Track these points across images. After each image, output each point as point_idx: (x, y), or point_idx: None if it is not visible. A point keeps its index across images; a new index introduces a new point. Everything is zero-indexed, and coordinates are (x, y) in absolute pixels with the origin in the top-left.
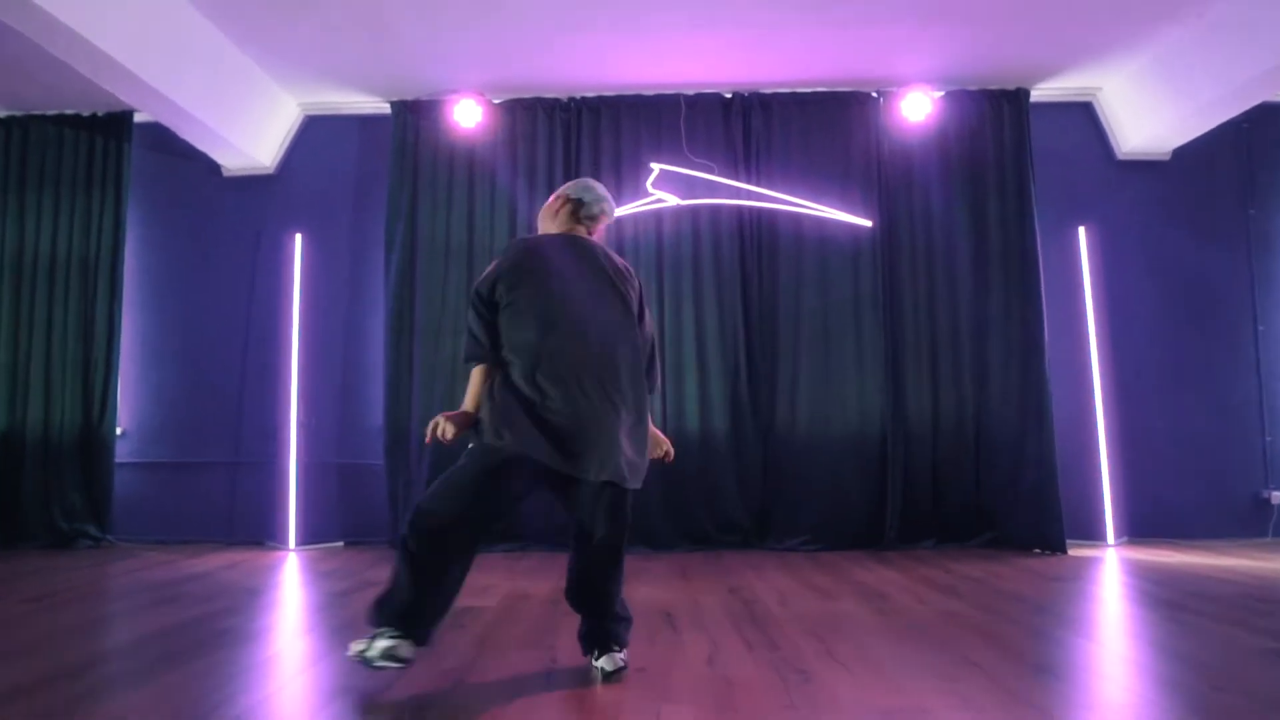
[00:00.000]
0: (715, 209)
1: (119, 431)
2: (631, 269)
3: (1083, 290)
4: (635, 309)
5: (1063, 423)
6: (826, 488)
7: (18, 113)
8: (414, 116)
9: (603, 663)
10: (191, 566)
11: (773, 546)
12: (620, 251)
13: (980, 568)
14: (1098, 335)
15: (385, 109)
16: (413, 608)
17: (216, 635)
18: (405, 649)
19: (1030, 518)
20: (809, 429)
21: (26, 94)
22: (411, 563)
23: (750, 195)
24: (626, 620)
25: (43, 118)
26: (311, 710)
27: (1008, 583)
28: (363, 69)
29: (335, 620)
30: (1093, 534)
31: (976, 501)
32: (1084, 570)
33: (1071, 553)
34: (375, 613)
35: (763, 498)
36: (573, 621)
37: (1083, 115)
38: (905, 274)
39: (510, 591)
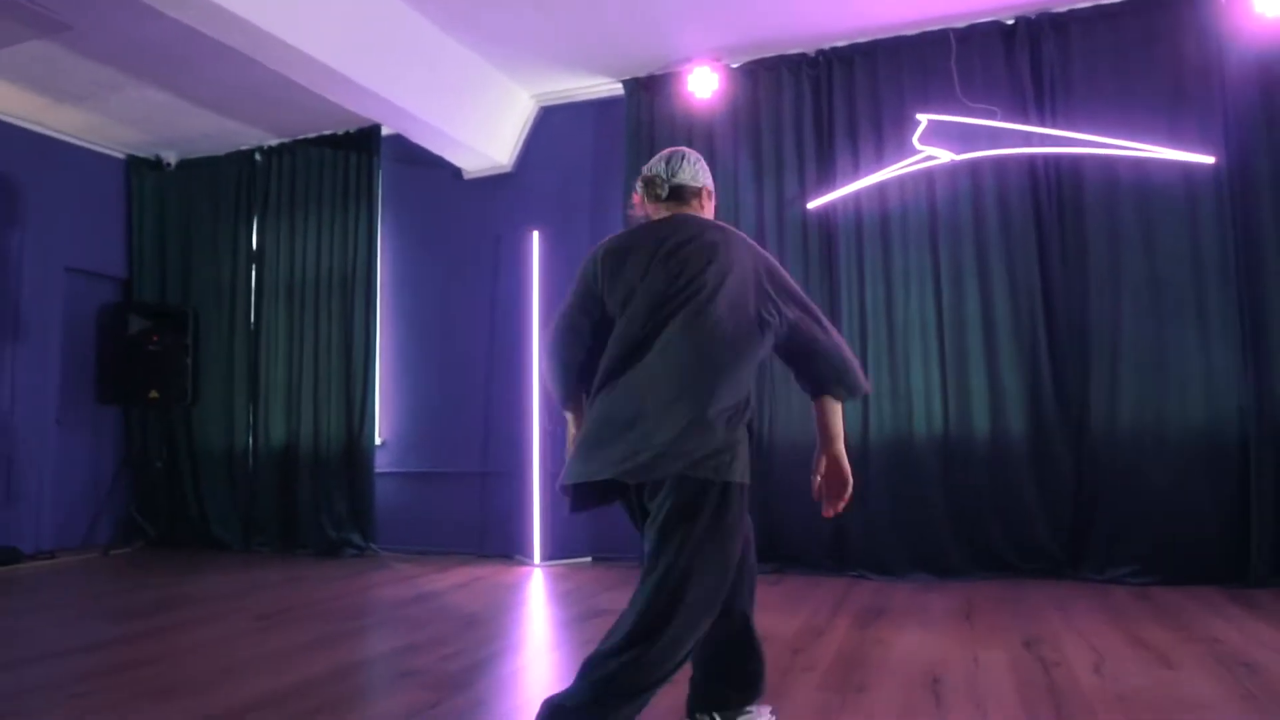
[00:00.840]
0: (1000, 162)
1: (379, 442)
2: (721, 233)
3: None
4: (705, 277)
5: None
6: (1163, 503)
7: (286, 139)
8: (648, 94)
9: None
10: (430, 582)
11: (1090, 577)
12: (885, 224)
13: None
14: None
15: (619, 90)
16: None
17: (399, 679)
18: None
19: None
20: (1136, 428)
21: (292, 121)
22: None
23: (1045, 141)
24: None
25: (306, 141)
26: None
27: None
28: (590, 46)
29: (554, 656)
30: None
31: None
32: None
33: None
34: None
35: (1076, 515)
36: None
37: None
38: (1266, 222)
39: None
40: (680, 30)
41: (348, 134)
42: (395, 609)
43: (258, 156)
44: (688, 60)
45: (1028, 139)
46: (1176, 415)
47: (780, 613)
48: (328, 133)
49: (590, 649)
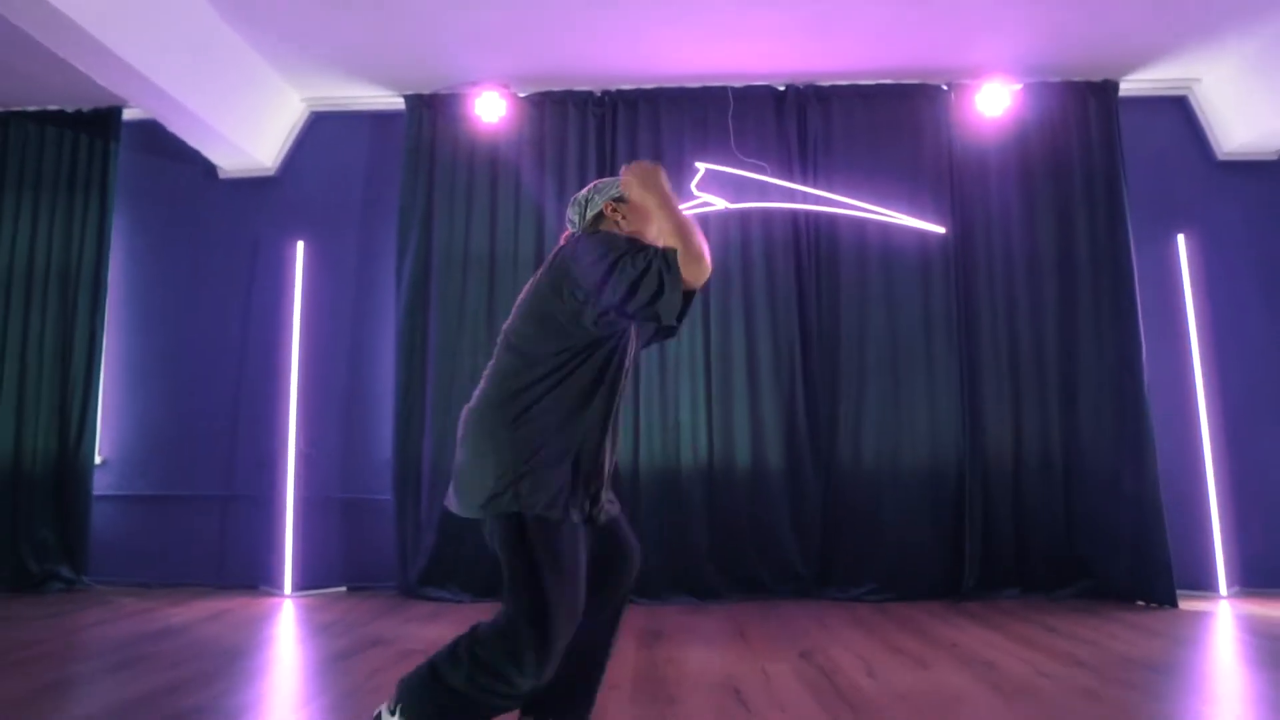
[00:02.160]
0: (767, 214)
1: (98, 460)
2: (570, 240)
3: (1184, 305)
4: (537, 284)
5: (1164, 456)
6: (895, 530)
7: None
8: (430, 112)
9: None
10: (169, 617)
11: (835, 596)
12: None
13: (1087, 625)
14: (1202, 356)
15: (399, 104)
16: None
17: (175, 718)
18: None
19: (1132, 565)
20: (875, 464)
21: (5, 89)
22: None
23: (807, 198)
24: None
25: (23, 114)
26: None
27: (1130, 647)
28: (374, 57)
29: (332, 692)
30: (1201, 583)
31: (1068, 547)
32: (1205, 627)
33: (1182, 605)
34: None
35: (823, 541)
36: (629, 689)
37: (1177, 111)
38: (982, 287)
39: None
40: (469, 52)
41: (80, 113)
42: (138, 645)
43: None
44: (475, 83)
45: (791, 195)
46: (908, 453)
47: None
48: (53, 108)
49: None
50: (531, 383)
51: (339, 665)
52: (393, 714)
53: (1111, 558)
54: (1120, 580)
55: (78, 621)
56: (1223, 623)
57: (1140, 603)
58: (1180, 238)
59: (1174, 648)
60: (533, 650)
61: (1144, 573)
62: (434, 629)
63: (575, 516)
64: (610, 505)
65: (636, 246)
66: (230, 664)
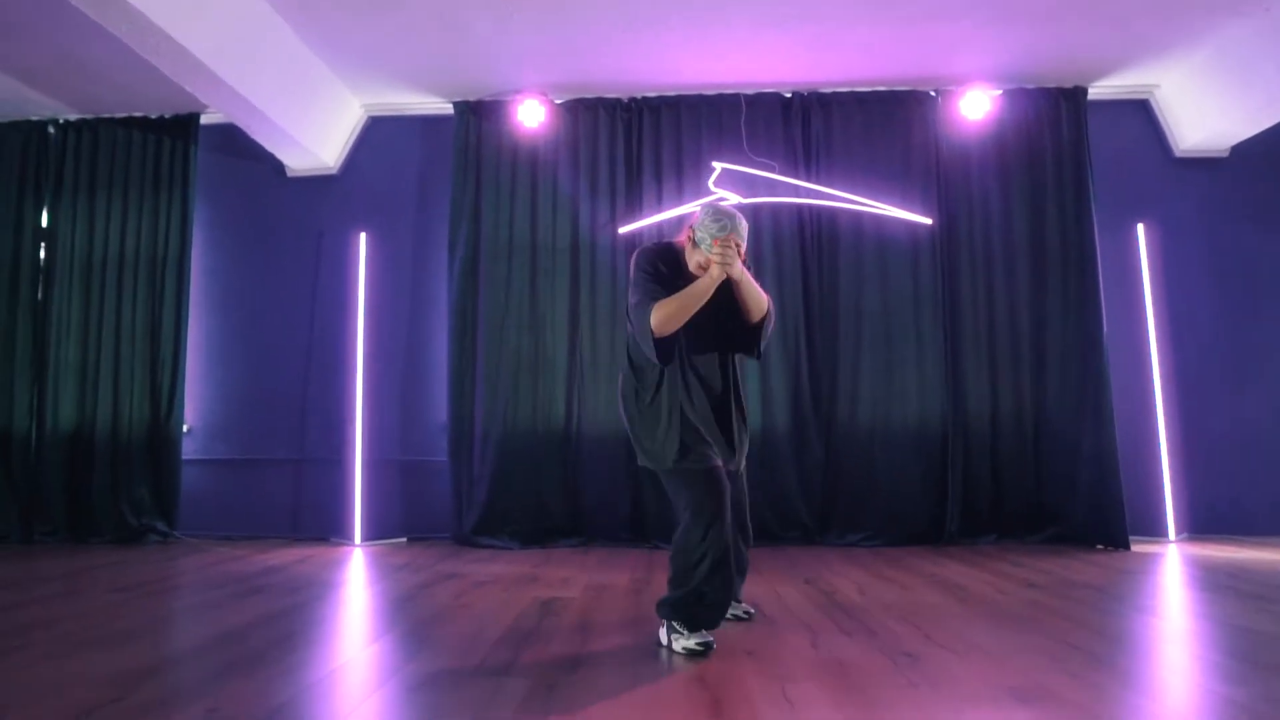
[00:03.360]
0: (776, 207)
1: (185, 428)
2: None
3: (1142, 287)
4: None
5: (1123, 419)
6: (887, 484)
7: (89, 115)
8: (476, 117)
9: None
10: (264, 561)
11: (834, 542)
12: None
13: (1049, 562)
14: (1158, 332)
15: (448, 109)
16: None
17: (312, 625)
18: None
19: (1091, 514)
20: (870, 425)
21: (98, 96)
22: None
23: (810, 194)
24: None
25: (112, 120)
26: (470, 667)
27: (1079, 574)
28: (428, 70)
29: (431, 607)
30: (1154, 530)
31: (1037, 498)
32: (1151, 564)
33: (1134, 549)
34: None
35: (824, 494)
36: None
37: (1139, 113)
38: (964, 271)
39: (589, 583)
40: (512, 64)
41: (161, 118)
42: (255, 578)
43: (51, 129)
44: (517, 91)
45: (797, 191)
46: (899, 416)
47: (609, 571)
48: (138, 114)
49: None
50: None
51: (427, 591)
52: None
53: (1074, 507)
54: (1081, 527)
55: (187, 564)
56: (1167, 560)
57: (1099, 546)
58: (1140, 227)
59: (1118, 576)
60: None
61: (1101, 519)
62: (495, 567)
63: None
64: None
65: (639, 299)
66: (336, 592)
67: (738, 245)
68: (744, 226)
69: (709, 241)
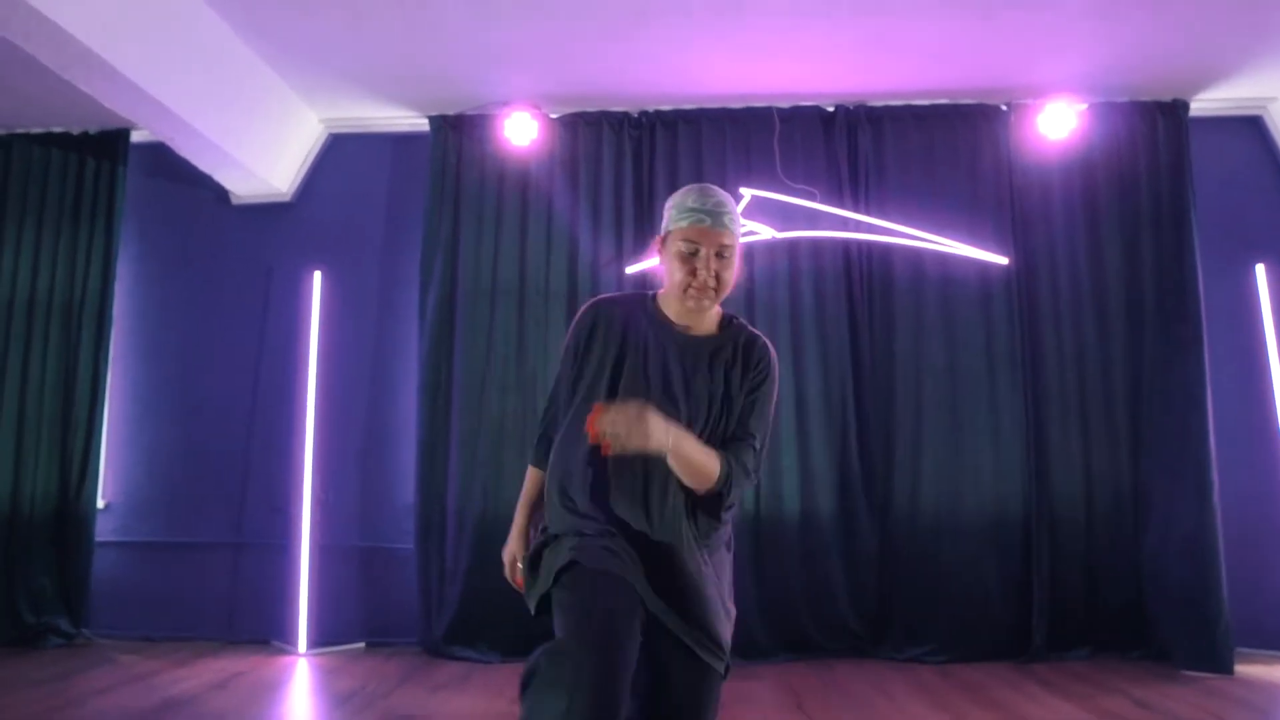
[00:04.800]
0: (817, 243)
1: (101, 504)
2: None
3: (1263, 338)
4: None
5: (1236, 502)
6: (956, 583)
7: None
8: (456, 134)
9: None
10: (177, 683)
11: (891, 656)
12: None
13: (1177, 696)
14: None
15: (423, 125)
16: None
17: None
18: None
19: (1184, 622)
20: (935, 510)
21: (6, 109)
22: None
23: (859, 226)
24: None
25: (27, 136)
26: None
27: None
28: (398, 77)
29: None
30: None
31: (1139, 600)
32: None
33: (1249, 667)
34: None
35: (879, 596)
36: None
37: (1251, 132)
38: (1047, 322)
39: None
40: (498, 70)
41: (86, 135)
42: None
43: None
44: (504, 103)
45: (843, 223)
46: (971, 499)
47: None
48: (58, 130)
49: None
50: None
51: None
52: None
53: (1173, 614)
54: (1179, 639)
55: (74, 690)
56: None
57: (1193, 669)
58: (1259, 268)
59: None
60: None
61: (1196, 632)
62: (466, 698)
63: None
64: None
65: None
66: None
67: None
68: (728, 218)
69: (672, 235)
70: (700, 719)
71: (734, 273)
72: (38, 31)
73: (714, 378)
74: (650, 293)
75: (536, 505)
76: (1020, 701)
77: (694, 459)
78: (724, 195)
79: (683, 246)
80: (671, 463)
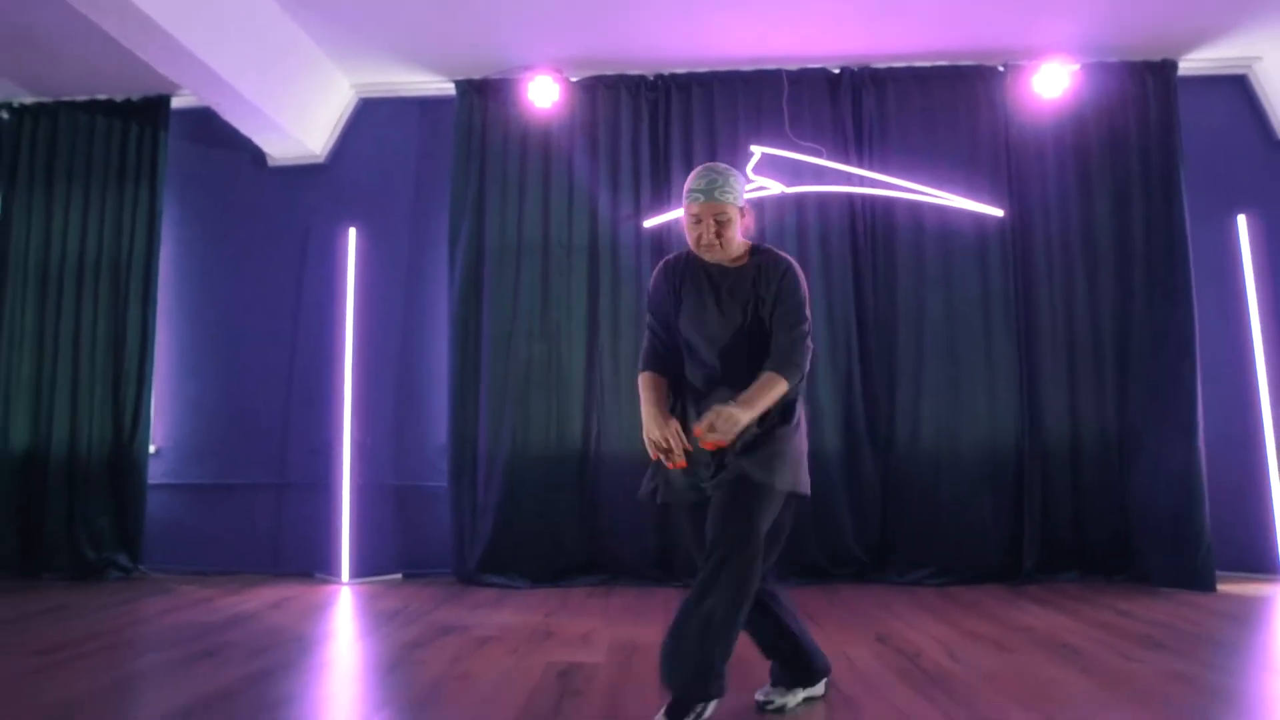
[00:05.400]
0: (823, 197)
1: (152, 450)
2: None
3: (1243, 286)
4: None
5: (1220, 438)
6: (955, 513)
7: (46, 99)
8: (481, 97)
9: None
10: (233, 605)
11: (893, 580)
12: None
13: (1158, 609)
14: (1264, 337)
15: (449, 90)
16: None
17: (278, 707)
18: None
19: (1173, 546)
20: (934, 448)
21: (54, 77)
22: None
23: (863, 182)
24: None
25: (72, 104)
26: None
27: (1204, 627)
28: (426, 44)
29: (420, 681)
30: (1258, 564)
31: (1124, 528)
32: (1267, 610)
33: (1230, 587)
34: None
35: (882, 526)
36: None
37: (1236, 90)
38: (1040, 270)
39: (615, 641)
40: (521, 36)
41: (129, 101)
42: (219, 631)
43: (4, 114)
44: (527, 68)
45: (848, 179)
46: (968, 435)
47: (638, 621)
48: (101, 97)
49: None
50: None
51: (417, 653)
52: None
53: (1158, 539)
54: (1164, 562)
55: (142, 610)
56: None
57: (1178, 587)
58: (1241, 218)
59: (1241, 627)
60: None
61: (1181, 555)
62: (502, 615)
63: None
64: None
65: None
66: (307, 653)
67: (715, 220)
68: (719, 191)
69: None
70: (722, 515)
71: (736, 228)
72: (106, 5)
73: (744, 295)
74: (687, 250)
75: (660, 397)
76: (1014, 614)
77: (765, 403)
78: (720, 172)
79: (690, 218)
80: (756, 415)
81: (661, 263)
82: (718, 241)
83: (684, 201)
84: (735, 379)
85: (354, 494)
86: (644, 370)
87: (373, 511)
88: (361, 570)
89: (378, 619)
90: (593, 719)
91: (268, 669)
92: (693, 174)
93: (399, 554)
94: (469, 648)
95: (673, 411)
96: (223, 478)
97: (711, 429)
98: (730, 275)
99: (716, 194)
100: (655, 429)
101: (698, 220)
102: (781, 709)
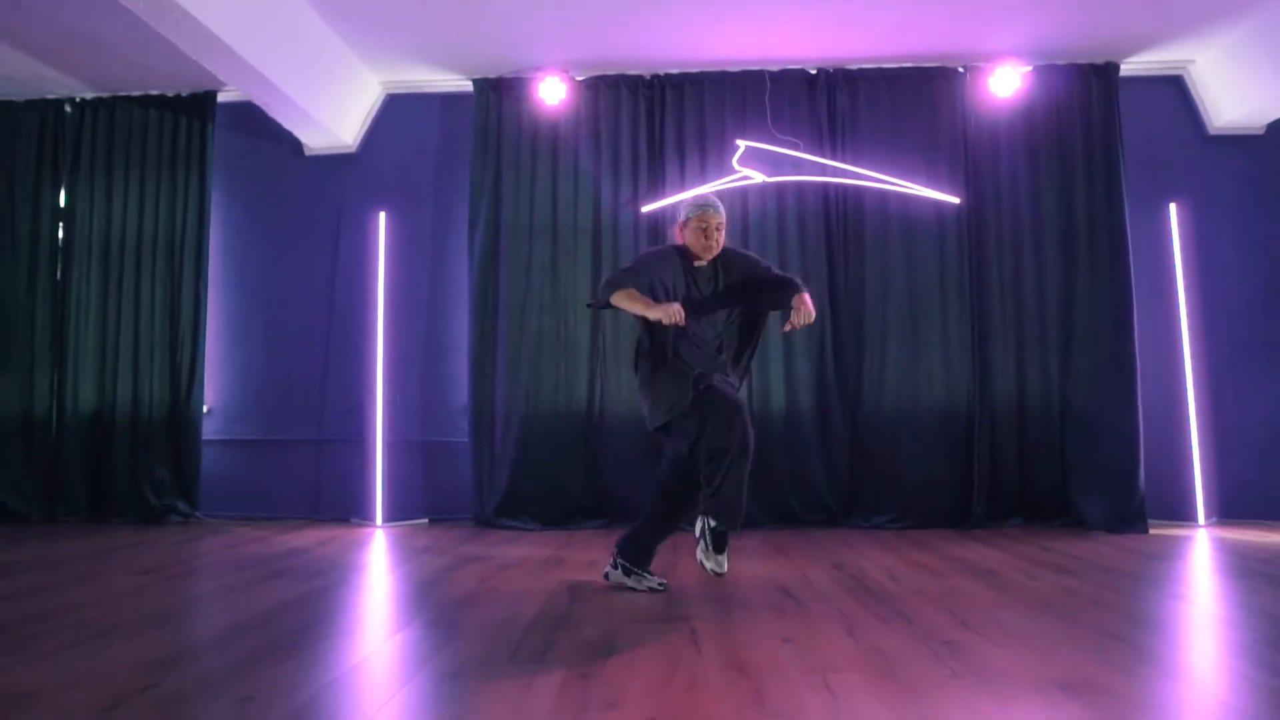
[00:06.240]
0: (801, 187)
1: (205, 409)
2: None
3: (1173, 267)
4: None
5: (1152, 402)
6: (913, 466)
7: (105, 94)
8: (497, 95)
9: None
10: (286, 542)
11: (859, 525)
12: None
13: (1077, 546)
14: (1189, 313)
15: (467, 87)
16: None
17: (338, 611)
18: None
19: (1111, 496)
20: (896, 407)
21: (114, 74)
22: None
23: (836, 172)
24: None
25: (128, 99)
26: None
27: (1109, 560)
28: (446, 46)
29: (459, 591)
30: (1183, 514)
31: (1063, 481)
32: (1181, 548)
33: (1160, 532)
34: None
35: (849, 476)
36: (698, 592)
37: (1173, 90)
38: (992, 252)
39: None
40: (533, 40)
41: (179, 96)
42: (277, 560)
43: (68, 108)
44: (538, 68)
45: (823, 170)
46: (925, 397)
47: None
48: (155, 92)
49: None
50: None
51: (451, 574)
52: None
53: (1097, 491)
54: (1101, 510)
55: (208, 546)
56: (1197, 545)
57: (1117, 530)
58: (1172, 206)
59: (1149, 561)
60: None
61: (1121, 503)
62: (518, 549)
63: None
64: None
65: (621, 274)
66: (358, 574)
67: (716, 228)
68: (715, 209)
69: (691, 221)
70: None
71: (724, 234)
72: (169, 18)
73: (717, 283)
74: (682, 244)
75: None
76: (955, 549)
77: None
78: (714, 196)
79: (699, 226)
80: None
81: (673, 245)
82: (716, 246)
83: (690, 215)
84: (714, 343)
85: (385, 448)
86: (627, 289)
87: (402, 463)
88: (392, 516)
89: (412, 552)
90: (596, 613)
91: (327, 586)
92: (696, 197)
93: (425, 501)
94: (493, 571)
95: (666, 360)
96: (268, 434)
97: (805, 319)
98: (705, 270)
99: (714, 210)
100: (661, 305)
101: (704, 229)
102: (606, 576)
